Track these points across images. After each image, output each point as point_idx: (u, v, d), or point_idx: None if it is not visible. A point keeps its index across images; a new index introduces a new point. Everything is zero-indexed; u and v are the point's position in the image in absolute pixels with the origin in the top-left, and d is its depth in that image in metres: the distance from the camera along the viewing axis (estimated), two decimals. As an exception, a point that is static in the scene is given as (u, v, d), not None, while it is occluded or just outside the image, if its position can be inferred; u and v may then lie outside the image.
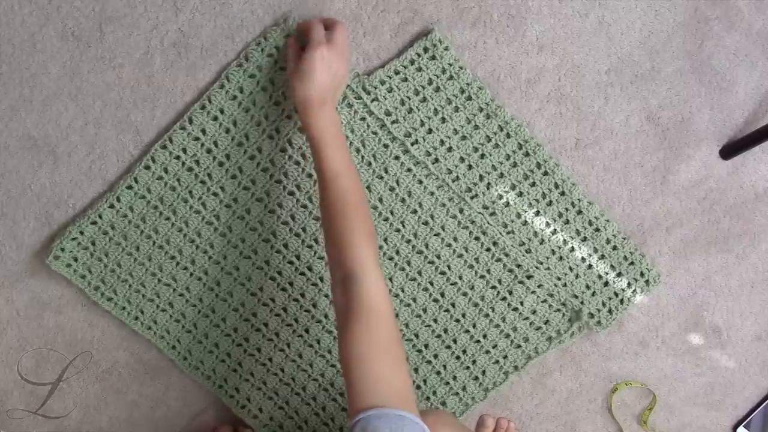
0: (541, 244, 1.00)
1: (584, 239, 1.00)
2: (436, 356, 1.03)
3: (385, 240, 0.98)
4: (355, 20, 0.92)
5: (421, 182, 0.97)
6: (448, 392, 1.05)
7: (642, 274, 1.02)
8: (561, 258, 1.01)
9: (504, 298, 1.02)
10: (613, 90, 0.97)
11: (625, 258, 1.01)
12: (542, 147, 0.97)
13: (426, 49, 0.92)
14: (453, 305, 1.02)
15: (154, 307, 0.99)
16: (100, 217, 0.94)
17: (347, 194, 0.81)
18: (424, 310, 1.02)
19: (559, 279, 1.02)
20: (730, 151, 0.99)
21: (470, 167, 0.97)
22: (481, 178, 0.97)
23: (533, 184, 0.98)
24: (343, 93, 0.91)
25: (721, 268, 1.05)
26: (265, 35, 0.90)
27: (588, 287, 1.02)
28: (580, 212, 0.99)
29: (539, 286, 1.02)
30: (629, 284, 1.02)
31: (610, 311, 1.03)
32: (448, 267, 1.00)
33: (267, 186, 0.95)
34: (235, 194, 0.95)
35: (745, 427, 1.11)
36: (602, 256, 1.01)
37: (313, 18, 0.89)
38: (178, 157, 0.93)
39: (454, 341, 1.03)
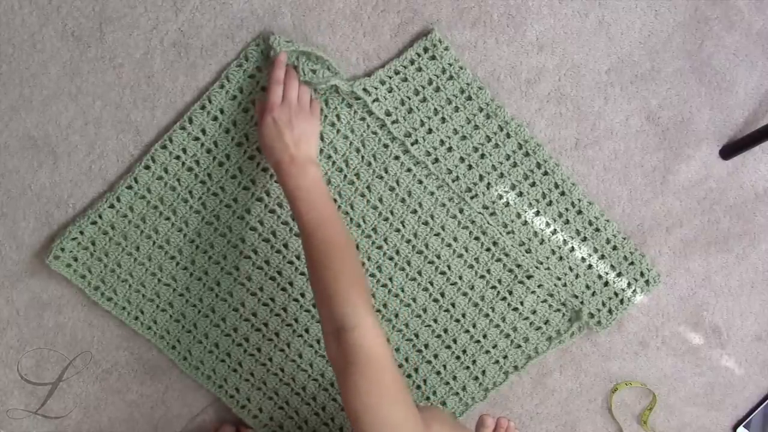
0: (541, 244, 1.00)
1: (584, 239, 1.00)
2: (436, 356, 1.03)
3: (385, 240, 0.98)
4: (355, 20, 0.92)
5: (421, 182, 0.97)
6: (448, 392, 1.05)
7: (642, 274, 1.02)
8: (561, 258, 1.01)
9: (504, 298, 1.02)
10: (613, 90, 0.97)
11: (625, 258, 1.02)
12: (542, 147, 0.97)
13: (426, 49, 0.92)
14: (453, 305, 1.02)
15: (154, 307, 0.99)
16: (100, 217, 0.94)
17: (328, 245, 0.79)
18: (424, 310, 1.01)
19: (559, 279, 1.02)
20: (730, 151, 0.99)
21: (470, 167, 0.97)
22: (481, 178, 0.97)
23: (533, 184, 0.98)
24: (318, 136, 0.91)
25: (721, 268, 1.05)
26: (245, 55, 0.90)
27: (588, 287, 1.02)
28: (580, 212, 0.99)
29: (539, 286, 1.02)
30: (629, 284, 1.03)
31: (610, 311, 1.03)
32: (448, 267, 1.00)
33: (267, 186, 0.95)
34: (235, 194, 0.95)
35: (745, 427, 1.11)
36: (602, 256, 1.01)
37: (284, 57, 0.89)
38: (178, 157, 0.93)
39: (454, 341, 1.03)
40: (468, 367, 1.04)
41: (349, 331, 0.73)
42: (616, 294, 1.03)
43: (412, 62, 0.93)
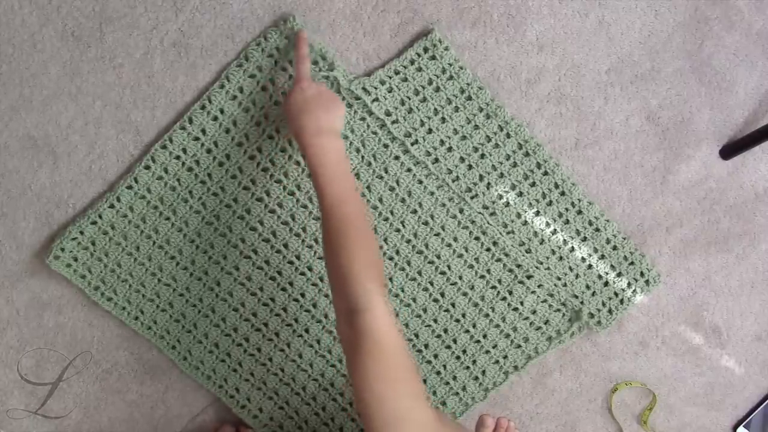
0: (541, 244, 1.00)
1: (584, 239, 1.00)
2: (436, 356, 1.03)
3: (385, 240, 0.98)
4: (355, 20, 0.92)
5: (421, 182, 0.97)
6: (448, 392, 1.05)
7: (642, 274, 1.02)
8: (561, 258, 1.01)
9: (504, 298, 1.02)
10: (613, 90, 0.97)
11: (625, 258, 1.02)
12: (542, 147, 0.97)
13: (426, 49, 0.92)
14: (453, 305, 1.02)
15: (154, 307, 0.99)
16: (100, 217, 0.94)
17: (345, 224, 0.77)
18: (424, 310, 1.01)
19: (559, 279, 1.02)
20: (730, 151, 1.00)
21: (470, 167, 0.97)
22: (481, 178, 0.97)
23: (533, 184, 0.98)
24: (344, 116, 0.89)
25: (721, 268, 1.05)
26: (265, 35, 0.90)
27: (588, 287, 1.02)
28: (580, 212, 0.99)
29: (539, 286, 1.02)
30: (629, 284, 1.03)
31: (610, 311, 1.03)
32: (448, 267, 1.00)
33: (267, 186, 0.95)
34: (235, 194, 0.95)
35: (745, 427, 1.11)
36: (602, 256, 1.01)
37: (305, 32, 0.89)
38: (178, 157, 0.93)
39: (454, 341, 1.03)
40: (468, 367, 1.04)
41: (360, 313, 0.71)
42: (616, 294, 1.03)
43: (412, 62, 0.93)
